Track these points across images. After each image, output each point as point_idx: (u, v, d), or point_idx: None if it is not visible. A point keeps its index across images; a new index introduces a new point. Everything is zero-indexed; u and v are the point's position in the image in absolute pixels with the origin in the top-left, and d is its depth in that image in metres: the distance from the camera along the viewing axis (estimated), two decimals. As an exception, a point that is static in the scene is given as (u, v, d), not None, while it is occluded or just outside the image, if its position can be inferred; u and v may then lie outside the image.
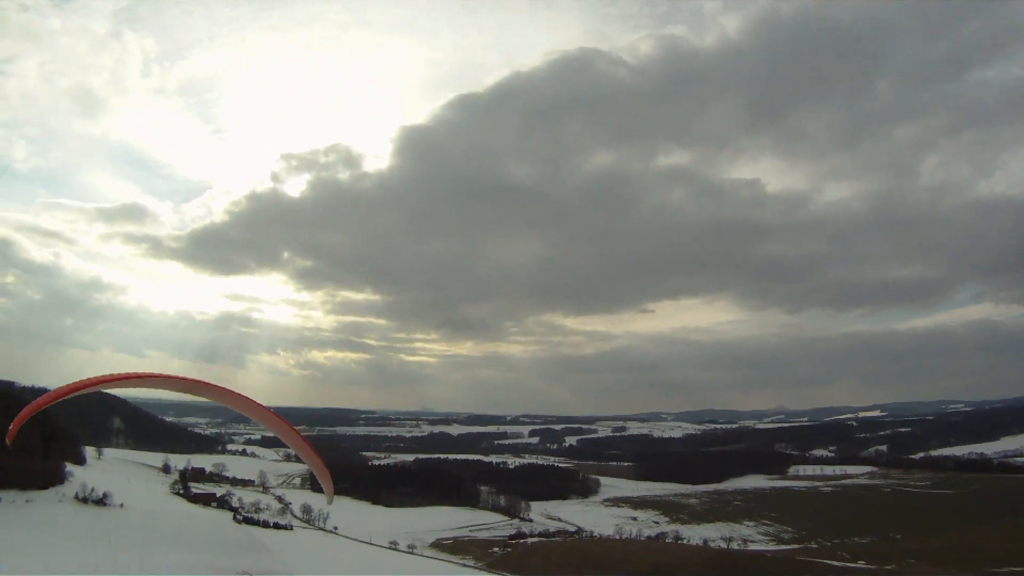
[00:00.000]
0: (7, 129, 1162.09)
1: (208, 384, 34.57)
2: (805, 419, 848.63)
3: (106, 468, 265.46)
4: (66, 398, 34.87)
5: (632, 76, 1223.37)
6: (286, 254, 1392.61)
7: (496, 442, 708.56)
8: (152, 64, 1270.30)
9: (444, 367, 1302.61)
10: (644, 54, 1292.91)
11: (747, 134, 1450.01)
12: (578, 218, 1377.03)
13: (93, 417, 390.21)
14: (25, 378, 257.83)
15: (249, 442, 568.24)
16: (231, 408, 37.37)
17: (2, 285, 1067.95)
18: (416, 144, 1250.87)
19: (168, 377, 35.15)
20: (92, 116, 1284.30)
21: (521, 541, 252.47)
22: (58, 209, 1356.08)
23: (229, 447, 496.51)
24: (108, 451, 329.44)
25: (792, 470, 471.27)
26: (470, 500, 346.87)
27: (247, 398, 35.61)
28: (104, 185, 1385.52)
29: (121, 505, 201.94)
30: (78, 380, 34.05)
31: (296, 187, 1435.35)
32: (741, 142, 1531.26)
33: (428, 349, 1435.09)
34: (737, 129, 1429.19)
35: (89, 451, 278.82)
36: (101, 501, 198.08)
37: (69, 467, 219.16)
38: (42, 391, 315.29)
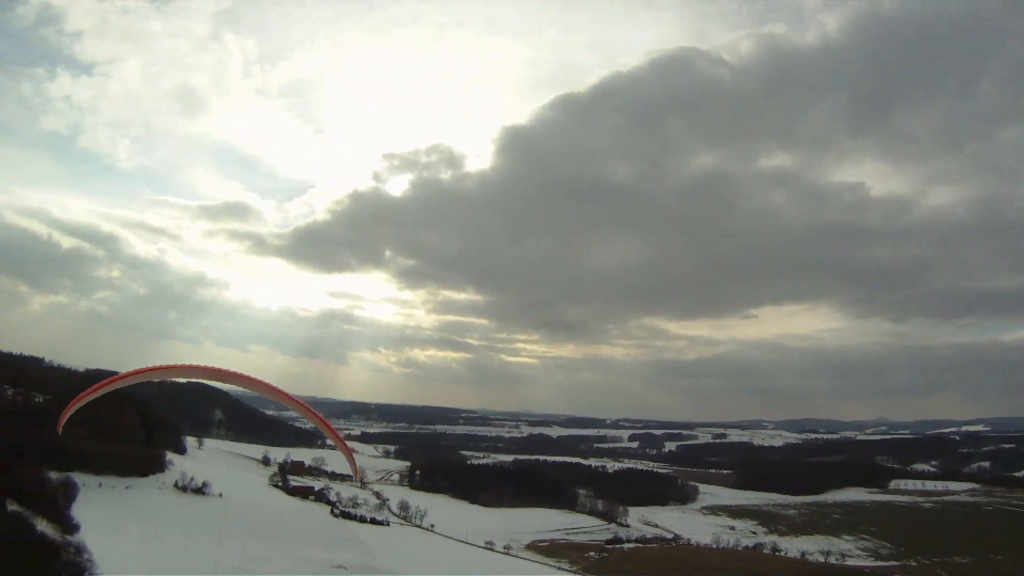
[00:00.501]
0: (111, 129, 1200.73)
1: (237, 373, 35.02)
2: (907, 432, 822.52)
3: (206, 458, 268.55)
4: (113, 388, 36.78)
5: (732, 76, 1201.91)
6: (388, 253, 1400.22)
7: (595, 445, 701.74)
8: (253, 65, 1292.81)
9: (545, 368, 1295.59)
10: (744, 53, 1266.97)
11: (850, 136, 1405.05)
12: (680, 220, 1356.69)
13: (195, 408, 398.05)
14: (127, 368, 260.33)
15: (348, 438, 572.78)
16: (262, 395, 38.41)
17: (108, 279, 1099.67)
18: (517, 144, 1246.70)
19: (200, 368, 36.19)
20: (194, 116, 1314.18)
21: (617, 546, 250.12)
22: (163, 206, 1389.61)
23: (328, 442, 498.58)
24: (209, 442, 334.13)
25: (892, 484, 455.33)
26: (568, 503, 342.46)
27: (273, 386, 35.86)
28: (207, 183, 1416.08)
29: (220, 495, 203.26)
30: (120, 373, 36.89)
31: (398, 187, 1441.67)
32: (844, 144, 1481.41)
33: (529, 350, 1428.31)
34: (840, 130, 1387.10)
35: (190, 441, 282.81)
36: (200, 490, 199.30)
37: (170, 456, 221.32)
38: (143, 383, 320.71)
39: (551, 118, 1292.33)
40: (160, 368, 36.31)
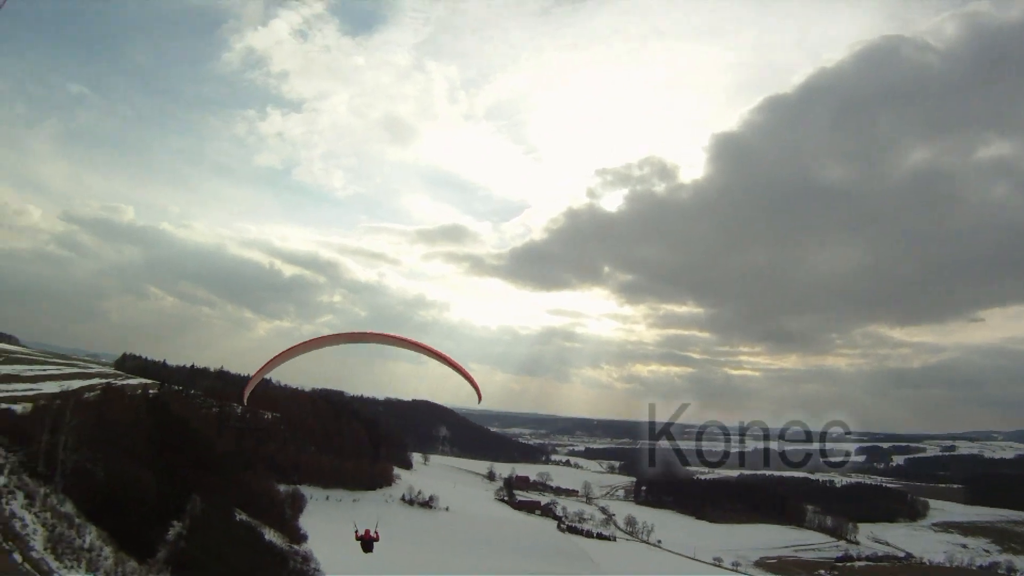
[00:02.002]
0: (325, 161, 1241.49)
1: (374, 333, 40.76)
2: None
3: (432, 473, 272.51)
4: (282, 363, 39.17)
5: (940, 61, 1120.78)
6: (607, 269, 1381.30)
7: (822, 460, 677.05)
8: (458, 91, 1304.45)
9: (768, 381, 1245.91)
10: (949, 36, 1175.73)
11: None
12: (898, 219, 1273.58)
13: (421, 425, 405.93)
14: (352, 388, 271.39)
15: (572, 453, 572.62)
16: (392, 346, 41.75)
17: (329, 303, 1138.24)
18: (729, 151, 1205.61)
19: (343, 335, 40.75)
20: (404, 143, 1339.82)
21: (848, 564, 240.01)
22: (380, 232, 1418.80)
23: (553, 457, 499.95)
24: (434, 458, 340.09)
25: None
26: (795, 519, 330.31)
27: (397, 336, 40.76)
28: (422, 208, 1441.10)
29: (447, 509, 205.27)
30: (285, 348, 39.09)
31: (613, 202, 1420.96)
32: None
33: (753, 363, 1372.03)
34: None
35: (416, 457, 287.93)
36: (427, 504, 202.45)
37: (397, 471, 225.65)
38: (370, 400, 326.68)
39: (760, 122, 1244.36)
40: (317, 339, 39.48)
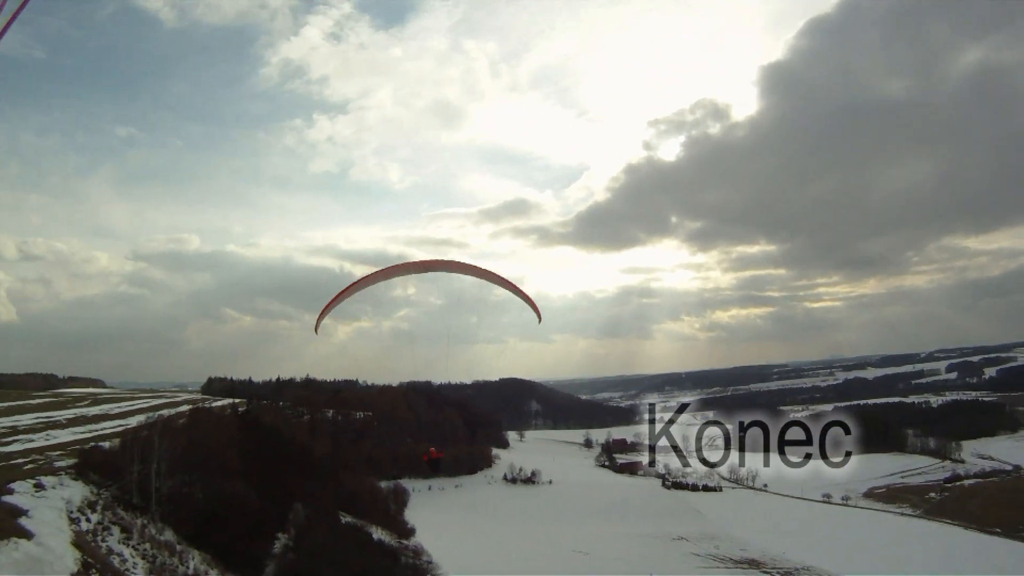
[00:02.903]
0: (379, 157, 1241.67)
1: (438, 261, 45.42)
2: None
3: (529, 449, 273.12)
4: (352, 293, 43.62)
5: None
6: (674, 219, 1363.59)
7: (913, 382, 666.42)
8: (499, 65, 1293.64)
9: (849, 309, 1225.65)
10: None
11: None
12: (961, 125, 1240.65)
13: (511, 403, 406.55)
14: (439, 376, 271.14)
15: (665, 409, 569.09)
16: (454, 272, 46.47)
17: (405, 297, 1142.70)
18: (779, 81, 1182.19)
19: (406, 264, 45.58)
20: (455, 126, 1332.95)
21: (957, 484, 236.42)
22: (444, 218, 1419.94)
23: (646, 416, 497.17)
24: (529, 433, 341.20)
25: None
26: (896, 445, 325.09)
27: (465, 263, 46.22)
28: (482, 187, 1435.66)
29: (550, 482, 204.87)
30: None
31: (670, 151, 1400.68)
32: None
33: (831, 293, 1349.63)
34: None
35: (511, 435, 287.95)
36: (529, 479, 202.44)
37: (495, 451, 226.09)
38: (458, 386, 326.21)
39: (806, 46, 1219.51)
40: (383, 271, 44.09)
